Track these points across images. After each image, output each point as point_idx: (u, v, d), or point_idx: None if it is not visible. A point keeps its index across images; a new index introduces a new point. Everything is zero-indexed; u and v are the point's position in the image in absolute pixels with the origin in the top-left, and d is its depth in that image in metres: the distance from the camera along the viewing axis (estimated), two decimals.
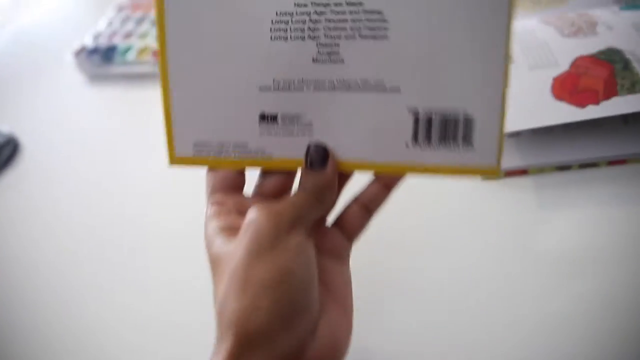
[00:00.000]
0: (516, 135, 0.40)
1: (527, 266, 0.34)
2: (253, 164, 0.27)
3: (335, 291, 0.25)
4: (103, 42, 0.64)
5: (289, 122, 0.26)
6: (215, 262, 0.24)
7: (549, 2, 0.52)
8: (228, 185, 0.27)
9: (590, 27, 0.42)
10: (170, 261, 0.40)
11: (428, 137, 0.25)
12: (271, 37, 0.25)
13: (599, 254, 0.34)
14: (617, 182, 0.38)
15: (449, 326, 0.32)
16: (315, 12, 0.25)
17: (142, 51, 0.61)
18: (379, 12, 0.24)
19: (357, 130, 0.26)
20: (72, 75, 0.63)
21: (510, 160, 0.39)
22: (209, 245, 0.24)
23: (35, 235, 0.45)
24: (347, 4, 0.24)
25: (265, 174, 0.27)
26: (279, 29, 0.25)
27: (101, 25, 0.68)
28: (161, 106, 0.27)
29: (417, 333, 0.32)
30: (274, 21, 0.25)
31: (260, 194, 0.27)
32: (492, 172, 0.25)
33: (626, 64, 0.39)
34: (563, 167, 0.39)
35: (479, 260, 0.35)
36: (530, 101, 0.38)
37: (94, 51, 0.62)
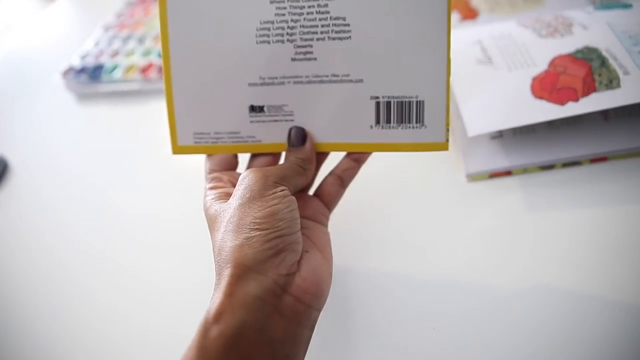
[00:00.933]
0: (499, 136, 0.40)
1: (514, 267, 0.34)
2: (245, 148, 0.33)
3: (316, 243, 0.30)
4: (90, 62, 0.64)
5: (274, 111, 0.32)
6: (212, 219, 0.28)
7: (525, 5, 0.53)
8: (223, 166, 0.32)
9: (567, 28, 0.43)
10: (162, 279, 0.40)
11: (388, 119, 0.31)
12: (257, 41, 0.30)
13: (586, 254, 0.34)
14: (600, 179, 0.38)
15: (436, 326, 0.32)
16: (292, 20, 0.30)
17: (128, 69, 0.61)
18: (343, 18, 0.30)
19: (329, 116, 0.31)
20: (60, 95, 0.63)
21: (494, 161, 0.40)
22: (207, 210, 0.29)
23: (24, 255, 0.45)
24: (317, 12, 0.30)
25: (255, 156, 0.33)
26: (263, 35, 0.30)
27: (88, 45, 0.69)
28: (165, 103, 0.32)
29: (403, 336, 0.32)
30: (258, 28, 0.30)
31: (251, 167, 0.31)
32: (441, 147, 0.31)
33: (603, 61, 0.39)
34: (547, 167, 0.39)
35: (465, 261, 0.35)
36: (511, 101, 0.39)
37: (81, 70, 0.63)
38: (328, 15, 0.30)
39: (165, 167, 0.49)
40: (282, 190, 0.27)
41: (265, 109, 0.31)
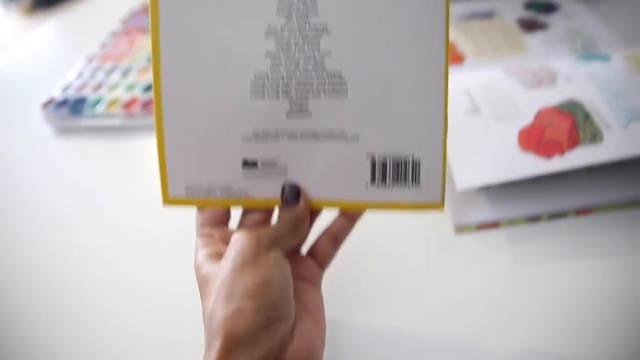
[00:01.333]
0: (486, 188, 0.40)
1: (500, 321, 0.34)
2: (237, 203, 0.31)
3: (309, 308, 0.29)
4: (72, 94, 0.63)
5: (267, 166, 0.31)
6: (203, 281, 0.27)
7: (509, 51, 0.54)
8: (215, 221, 0.31)
9: (551, 79, 0.44)
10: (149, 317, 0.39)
11: (383, 178, 0.30)
12: (251, 95, 0.29)
13: (573, 310, 0.34)
14: (586, 232, 0.38)
15: None
16: (287, 74, 0.29)
17: (111, 104, 0.60)
18: (340, 73, 0.29)
19: (324, 172, 0.31)
20: (38, 128, 0.62)
21: (481, 213, 0.40)
22: (198, 269, 0.28)
23: (5, 288, 0.43)
24: (313, 67, 0.29)
25: (247, 211, 0.32)
26: (258, 89, 0.29)
27: (70, 76, 0.67)
28: (156, 152, 0.31)
29: None
30: (253, 81, 0.29)
31: (243, 227, 0.31)
32: (437, 207, 0.30)
33: (586, 115, 0.40)
34: (533, 219, 0.40)
35: (452, 316, 0.35)
36: (499, 155, 0.39)
37: (62, 103, 0.61)
38: (324, 70, 0.29)
39: (147, 206, 0.48)
40: (275, 254, 0.27)
41: (258, 164, 0.31)
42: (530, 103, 0.42)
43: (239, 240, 0.27)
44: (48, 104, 0.62)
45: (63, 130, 0.61)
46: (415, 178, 0.30)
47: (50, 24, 0.95)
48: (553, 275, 0.36)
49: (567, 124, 0.40)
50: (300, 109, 0.30)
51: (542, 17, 0.58)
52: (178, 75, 0.30)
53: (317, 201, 0.31)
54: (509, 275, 0.37)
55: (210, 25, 0.29)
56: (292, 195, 0.30)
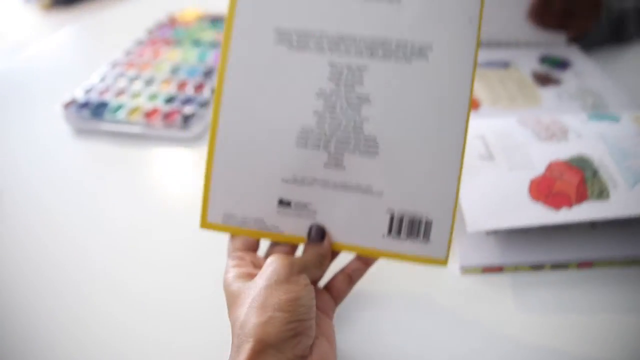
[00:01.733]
0: (494, 232, 0.42)
1: None
2: (267, 236, 0.35)
3: (324, 332, 0.32)
4: (94, 97, 0.64)
5: (299, 208, 0.34)
6: (233, 295, 0.31)
7: (524, 101, 0.56)
8: (246, 247, 0.35)
9: (563, 134, 0.45)
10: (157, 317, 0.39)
11: (398, 231, 0.34)
12: (296, 144, 0.34)
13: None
14: (585, 285, 0.40)
15: None
16: (330, 132, 0.34)
17: (133, 111, 0.61)
18: (374, 138, 0.33)
19: (348, 220, 0.34)
20: (58, 126, 0.63)
21: (488, 256, 0.41)
22: (228, 286, 0.31)
23: (11, 287, 0.43)
24: (353, 129, 0.33)
25: (275, 243, 0.36)
26: (302, 140, 0.34)
27: (94, 79, 0.69)
28: (203, 179, 0.35)
29: None
30: (299, 133, 0.34)
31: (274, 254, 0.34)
32: (441, 263, 0.34)
33: (595, 172, 0.42)
34: (537, 267, 0.41)
35: (454, 353, 0.36)
36: (510, 201, 0.40)
37: (84, 105, 0.63)
38: (362, 134, 0.33)
39: (155, 214, 0.49)
40: (304, 279, 0.30)
41: (292, 204, 0.34)
42: (543, 155, 0.43)
43: (274, 262, 0.31)
44: (70, 104, 0.63)
45: (82, 132, 0.62)
46: (427, 235, 0.34)
47: (75, 25, 0.97)
48: (552, 324, 0.37)
49: (577, 178, 0.41)
50: (336, 163, 0.34)
51: (555, 73, 0.61)
52: (234, 115, 0.34)
53: (337, 244, 0.35)
54: (511, 319, 0.38)
55: (272, 79, 0.33)
56: (318, 235, 0.34)
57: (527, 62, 0.63)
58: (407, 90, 0.33)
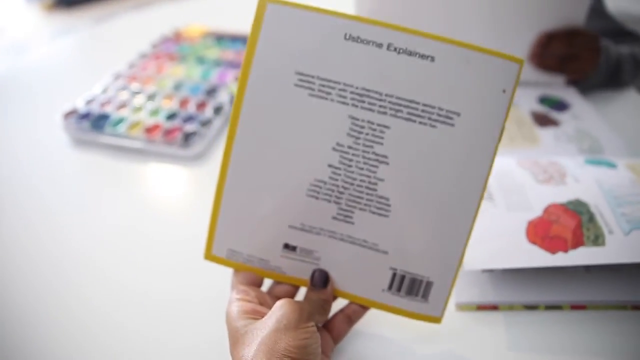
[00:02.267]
0: (490, 270, 0.42)
1: None
2: (270, 275, 0.36)
3: None
4: (95, 109, 0.64)
5: (304, 253, 0.35)
6: (240, 332, 0.30)
7: (523, 141, 0.57)
8: (251, 281, 0.35)
9: (561, 177, 0.46)
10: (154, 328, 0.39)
11: (398, 289, 0.35)
12: (306, 194, 0.33)
13: None
14: (578, 327, 0.40)
15: None
16: (343, 187, 0.33)
17: (133, 126, 0.61)
18: (387, 199, 0.33)
19: (350, 271, 0.35)
20: (57, 135, 0.63)
21: (483, 294, 0.41)
22: (232, 320, 0.31)
23: (8, 293, 0.43)
24: (366, 187, 0.33)
25: (277, 282, 0.36)
26: (313, 190, 0.33)
27: (96, 89, 0.69)
28: (210, 214, 0.35)
29: None
30: (311, 184, 0.33)
31: (273, 294, 0.36)
32: (435, 320, 0.35)
33: (591, 217, 0.42)
34: (531, 307, 0.41)
35: None
36: (507, 242, 0.41)
37: (84, 116, 0.63)
38: (375, 193, 0.33)
39: (153, 231, 0.48)
40: (313, 326, 0.30)
41: (297, 249, 0.34)
42: (541, 197, 0.44)
43: (284, 306, 0.31)
44: (70, 114, 0.63)
45: (80, 143, 0.62)
46: (425, 295, 0.34)
47: (79, 33, 0.98)
48: None
49: (573, 222, 0.42)
50: (345, 217, 0.33)
51: (554, 114, 0.62)
52: (247, 156, 0.33)
53: (338, 291, 0.35)
54: (503, 358, 0.38)
55: (288, 122, 0.32)
56: (322, 281, 0.34)
57: (527, 102, 0.64)
58: (427, 155, 0.32)
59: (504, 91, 0.31)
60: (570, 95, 0.66)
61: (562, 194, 0.44)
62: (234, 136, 0.33)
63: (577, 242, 0.41)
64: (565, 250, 0.40)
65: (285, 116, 0.32)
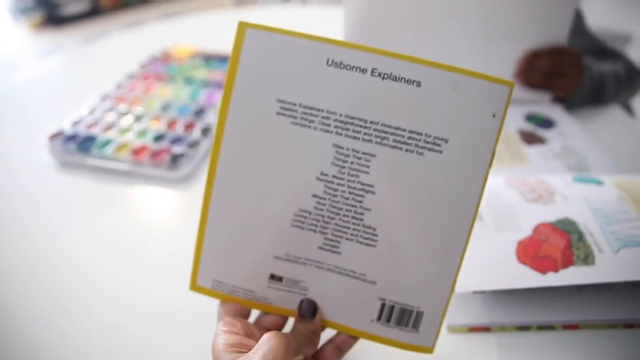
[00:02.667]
0: (482, 292, 0.42)
1: None
2: (256, 306, 0.35)
3: None
4: (82, 130, 0.63)
5: (291, 284, 0.34)
6: None
7: (511, 160, 0.58)
8: (237, 312, 0.34)
9: (549, 196, 0.46)
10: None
11: (388, 319, 0.33)
12: (291, 224, 0.32)
13: None
14: (571, 347, 0.40)
15: None
16: (328, 216, 0.32)
17: (121, 147, 0.60)
18: (374, 229, 0.32)
19: (338, 301, 0.34)
20: (42, 158, 0.62)
21: (475, 316, 0.41)
22: (218, 353, 0.30)
23: None
24: (353, 217, 0.32)
25: (264, 313, 0.36)
26: (298, 221, 0.32)
27: (83, 110, 0.68)
28: (195, 244, 0.34)
29: None
30: (295, 214, 0.32)
31: (261, 325, 0.35)
32: (426, 351, 0.34)
33: (580, 236, 0.42)
34: (523, 327, 0.41)
35: None
36: (497, 263, 0.41)
37: (71, 138, 0.62)
38: (361, 223, 0.32)
39: (142, 253, 0.48)
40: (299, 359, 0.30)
41: (284, 280, 0.34)
42: (530, 217, 0.44)
43: (271, 340, 0.30)
44: (56, 136, 0.62)
45: (66, 165, 0.61)
46: (416, 325, 0.33)
47: (67, 52, 0.97)
48: None
49: (563, 241, 0.42)
50: (332, 247, 0.32)
51: (540, 131, 0.63)
52: (229, 187, 0.32)
53: (327, 321, 0.34)
54: None
55: (271, 152, 0.31)
56: (309, 311, 0.34)
57: (514, 120, 0.65)
58: (415, 183, 0.30)
59: (493, 115, 0.29)
60: (556, 112, 0.67)
61: (551, 213, 0.44)
62: (216, 165, 0.32)
63: (567, 262, 0.41)
64: (556, 270, 0.40)
65: (268, 145, 0.31)
